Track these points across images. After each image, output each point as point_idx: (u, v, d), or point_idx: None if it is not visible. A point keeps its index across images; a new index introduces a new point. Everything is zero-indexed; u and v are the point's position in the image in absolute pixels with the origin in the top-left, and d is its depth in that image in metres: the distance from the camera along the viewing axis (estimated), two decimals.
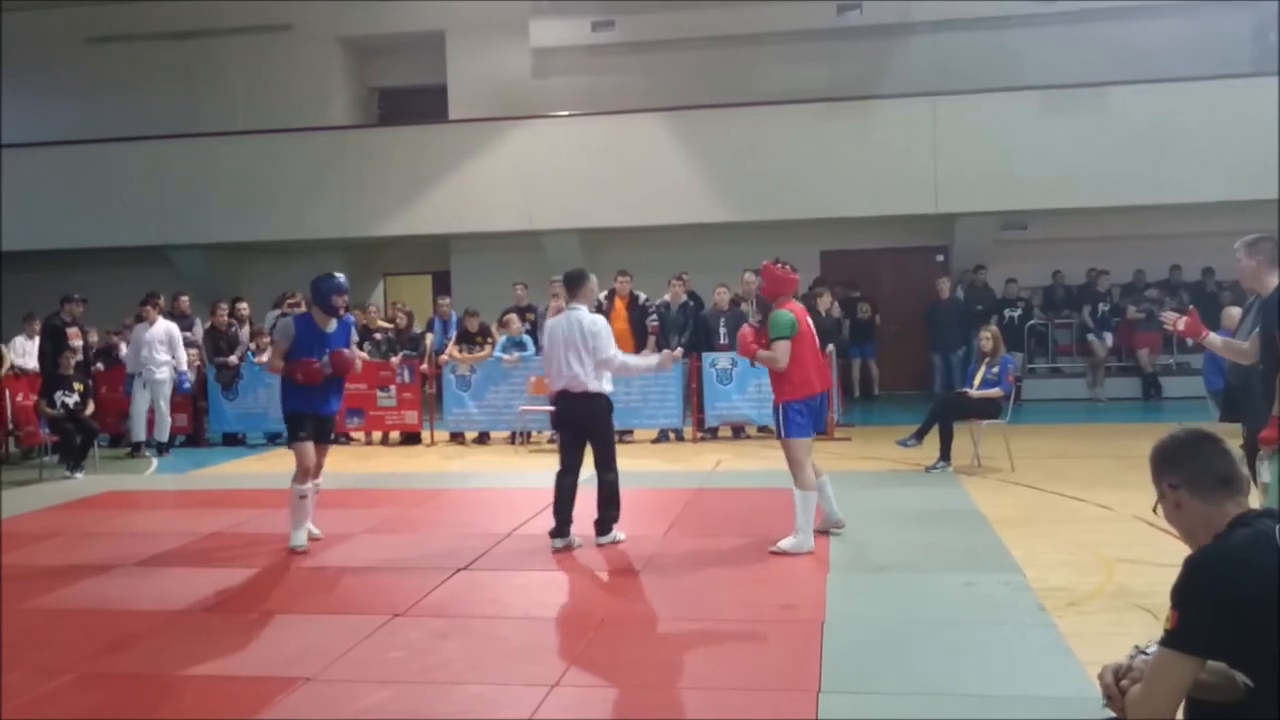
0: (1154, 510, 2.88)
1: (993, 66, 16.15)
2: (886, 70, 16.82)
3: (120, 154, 17.39)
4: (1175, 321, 6.43)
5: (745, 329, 7.56)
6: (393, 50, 19.13)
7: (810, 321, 7.39)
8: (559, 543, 7.39)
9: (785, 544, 7.09)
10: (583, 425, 7.50)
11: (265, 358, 13.64)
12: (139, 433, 12.91)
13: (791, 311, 7.23)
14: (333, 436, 8.22)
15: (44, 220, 17.18)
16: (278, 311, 15.08)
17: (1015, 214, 16.12)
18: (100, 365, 13.63)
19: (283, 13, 18.34)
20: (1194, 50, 15.67)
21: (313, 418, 7.63)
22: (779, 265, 7.38)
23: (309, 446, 7.59)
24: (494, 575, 6.83)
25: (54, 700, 4.82)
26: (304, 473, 7.56)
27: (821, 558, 6.93)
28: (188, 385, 13.03)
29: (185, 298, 14.60)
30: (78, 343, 12.42)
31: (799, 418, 7.16)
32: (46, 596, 6.59)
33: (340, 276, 7.74)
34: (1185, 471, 2.76)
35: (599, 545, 7.39)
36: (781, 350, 7.12)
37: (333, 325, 7.67)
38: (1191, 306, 7.09)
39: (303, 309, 14.15)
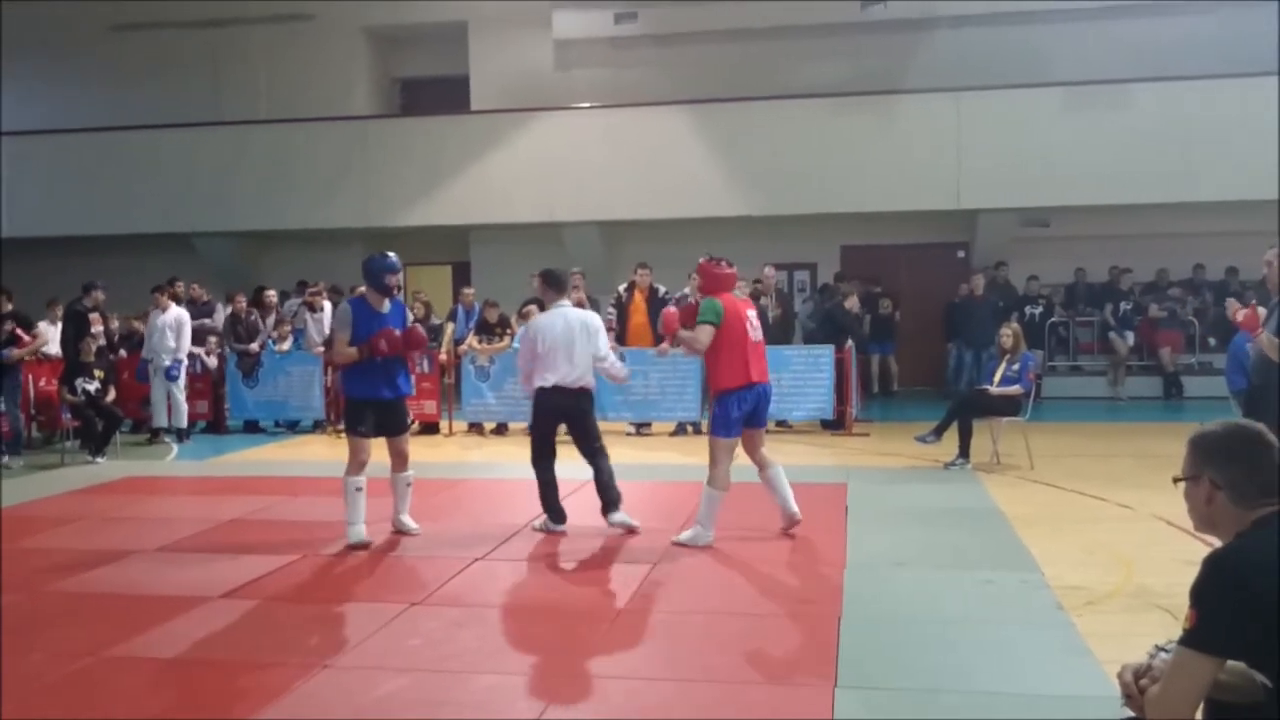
0: (1174, 480, 2.82)
1: (1016, 62, 16.07)
2: (909, 65, 16.73)
3: (144, 142, 17.50)
4: (1236, 311, 6.46)
5: (670, 308, 7.67)
6: (415, 41, 19.18)
7: (750, 314, 7.27)
8: (560, 527, 7.58)
9: (684, 536, 7.19)
10: (570, 417, 7.60)
11: (285, 345, 13.77)
12: (159, 419, 13.00)
13: (722, 301, 7.15)
14: (410, 422, 7.99)
15: (67, 206, 17.33)
16: (298, 300, 15.18)
17: (1037, 210, 16.04)
18: (122, 352, 13.72)
19: (306, 3, 18.40)
20: (1217, 48, 15.55)
21: (376, 405, 7.43)
22: (714, 262, 7.33)
23: (367, 443, 7.45)
24: (511, 565, 6.86)
25: (73, 684, 4.86)
26: (358, 466, 7.44)
27: (839, 553, 6.92)
28: (175, 374, 12.89)
29: (196, 285, 14.66)
30: (99, 329, 12.47)
31: (732, 414, 7.05)
32: (66, 580, 6.64)
33: (391, 255, 7.56)
34: (1233, 474, 2.69)
35: (611, 525, 7.45)
36: (704, 334, 7.01)
37: (386, 305, 7.52)
38: (1253, 301, 7.10)
39: (325, 298, 14.29)
